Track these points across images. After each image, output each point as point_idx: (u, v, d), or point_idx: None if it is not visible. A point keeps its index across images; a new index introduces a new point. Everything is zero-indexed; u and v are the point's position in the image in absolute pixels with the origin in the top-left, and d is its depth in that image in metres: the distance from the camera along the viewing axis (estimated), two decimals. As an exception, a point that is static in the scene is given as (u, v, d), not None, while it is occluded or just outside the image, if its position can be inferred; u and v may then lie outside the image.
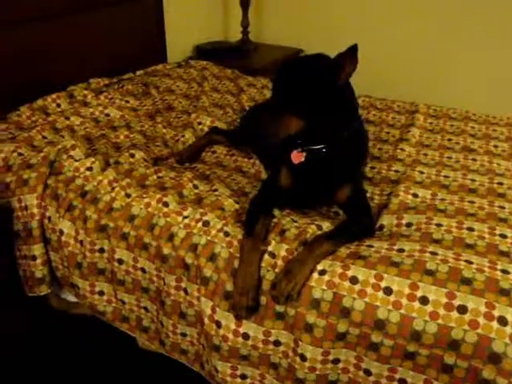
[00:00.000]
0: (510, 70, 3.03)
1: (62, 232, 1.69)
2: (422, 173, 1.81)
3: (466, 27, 3.06)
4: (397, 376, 1.27)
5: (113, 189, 1.69)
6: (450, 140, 2.11)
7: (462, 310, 1.19)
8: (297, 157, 1.49)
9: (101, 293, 1.71)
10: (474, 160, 1.92)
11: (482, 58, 3.09)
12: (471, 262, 1.30)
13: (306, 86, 1.35)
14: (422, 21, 3.17)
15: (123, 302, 1.69)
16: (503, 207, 1.58)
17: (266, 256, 1.39)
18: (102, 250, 1.65)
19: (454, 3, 3.03)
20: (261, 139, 1.46)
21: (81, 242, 1.67)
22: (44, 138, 2.01)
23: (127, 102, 2.39)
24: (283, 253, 1.38)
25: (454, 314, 1.19)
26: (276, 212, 1.56)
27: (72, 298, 1.87)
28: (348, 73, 1.36)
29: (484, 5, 2.96)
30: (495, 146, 2.04)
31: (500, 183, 1.73)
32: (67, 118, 2.15)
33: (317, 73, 1.37)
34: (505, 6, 2.90)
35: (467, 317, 1.18)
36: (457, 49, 3.13)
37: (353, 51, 1.31)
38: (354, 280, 1.28)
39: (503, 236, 1.42)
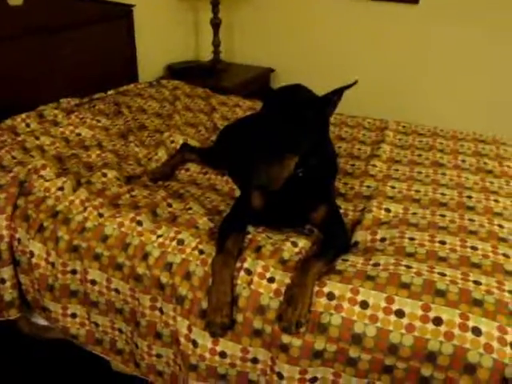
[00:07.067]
0: (475, 87, 3.13)
1: (32, 254, 1.65)
2: (393, 188, 1.84)
3: (432, 46, 3.15)
4: (375, 390, 1.27)
5: (85, 209, 1.66)
6: (419, 155, 2.15)
7: (437, 321, 1.21)
8: None
9: (73, 315, 1.67)
10: (444, 174, 1.96)
11: (449, 77, 3.18)
12: (444, 275, 1.32)
13: (307, 125, 1.37)
14: (391, 42, 3.25)
15: (96, 325, 1.65)
16: (473, 220, 1.62)
17: (242, 273, 1.39)
18: (74, 272, 1.62)
19: (423, 24, 3.13)
20: (262, 186, 1.38)
21: (52, 264, 1.63)
22: (13, 158, 1.97)
23: (98, 121, 2.37)
24: (259, 269, 1.38)
25: (430, 326, 1.20)
26: (250, 229, 1.56)
27: (43, 322, 1.82)
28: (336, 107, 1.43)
29: (449, 24, 3.06)
30: (463, 161, 2.09)
31: (469, 197, 1.77)
32: (37, 138, 2.12)
33: (315, 111, 1.39)
34: (467, 27, 3.01)
35: (442, 328, 1.20)
36: (423, 67, 3.22)
37: (340, 90, 1.39)
38: (330, 296, 1.29)
39: (474, 248, 1.45)
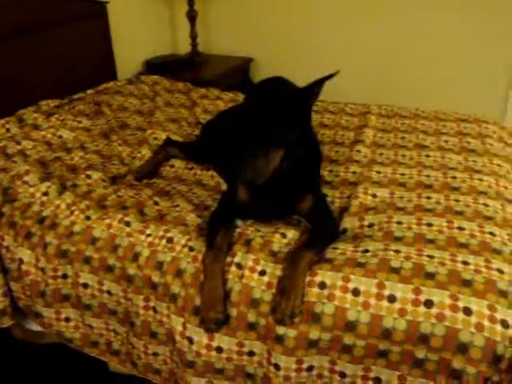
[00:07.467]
0: (454, 67, 3.14)
1: (21, 261, 1.64)
2: (378, 172, 1.85)
3: (410, 29, 3.15)
4: (371, 375, 1.29)
5: (72, 212, 1.65)
6: (402, 138, 2.16)
7: (429, 304, 1.22)
8: None
9: (67, 319, 1.67)
10: (428, 156, 1.97)
11: (427, 58, 3.19)
12: (433, 257, 1.34)
13: (292, 118, 1.37)
14: (368, 26, 3.25)
15: (91, 327, 1.65)
16: (458, 200, 1.63)
17: (233, 267, 1.39)
18: (65, 276, 1.61)
19: (400, 8, 3.13)
20: (249, 180, 1.36)
21: (42, 270, 1.62)
22: (-5, 165, 1.95)
23: (79, 122, 2.34)
24: (250, 263, 1.38)
25: (422, 309, 1.22)
26: (239, 222, 1.56)
27: (37, 328, 1.82)
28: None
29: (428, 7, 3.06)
30: (446, 141, 2.10)
31: (453, 177, 1.79)
32: (18, 143, 2.09)
33: (298, 103, 1.39)
34: (443, 10, 3.01)
35: (434, 310, 1.21)
36: (402, 50, 3.22)
37: (322, 81, 1.39)
38: (322, 285, 1.30)
39: (461, 228, 1.47)
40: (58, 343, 1.77)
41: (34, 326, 1.83)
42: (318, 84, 1.40)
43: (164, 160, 2.08)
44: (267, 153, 1.34)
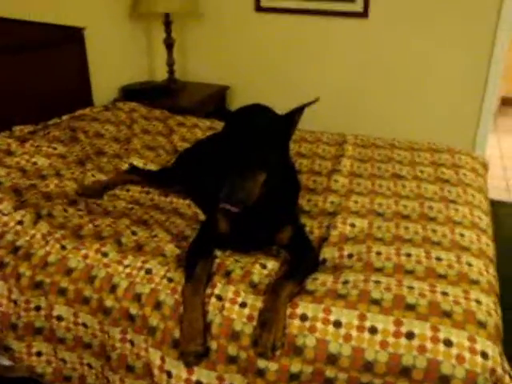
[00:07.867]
0: (425, 96, 3.22)
1: (-8, 292, 1.59)
2: (356, 202, 1.87)
3: (384, 58, 3.23)
4: (353, 408, 1.28)
5: (47, 242, 1.61)
6: (379, 168, 2.19)
7: (410, 336, 1.23)
8: None
9: (39, 354, 1.61)
10: (404, 186, 2.00)
11: (400, 87, 3.26)
12: (413, 288, 1.34)
13: (273, 144, 1.39)
14: (343, 56, 3.32)
15: (64, 361, 1.60)
16: (435, 230, 1.66)
17: (214, 299, 1.38)
18: (38, 308, 1.56)
19: (374, 37, 3.20)
20: (239, 200, 1.34)
21: (15, 302, 1.57)
22: (-33, 193, 1.90)
23: (55, 148, 2.30)
24: (230, 295, 1.37)
25: (403, 341, 1.22)
26: (218, 253, 1.55)
27: (6, 362, 1.75)
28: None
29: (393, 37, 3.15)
30: (421, 171, 2.14)
31: (430, 207, 1.82)
32: (-9, 170, 2.04)
33: (279, 129, 1.42)
34: (415, 38, 3.10)
35: (415, 342, 1.22)
36: (376, 79, 3.29)
37: (302, 109, 1.43)
38: (303, 317, 1.29)
39: (439, 259, 1.49)
40: (29, 377, 1.71)
41: (4, 361, 1.76)
42: (298, 112, 1.43)
43: (120, 184, 2.08)
44: (254, 174, 1.34)
